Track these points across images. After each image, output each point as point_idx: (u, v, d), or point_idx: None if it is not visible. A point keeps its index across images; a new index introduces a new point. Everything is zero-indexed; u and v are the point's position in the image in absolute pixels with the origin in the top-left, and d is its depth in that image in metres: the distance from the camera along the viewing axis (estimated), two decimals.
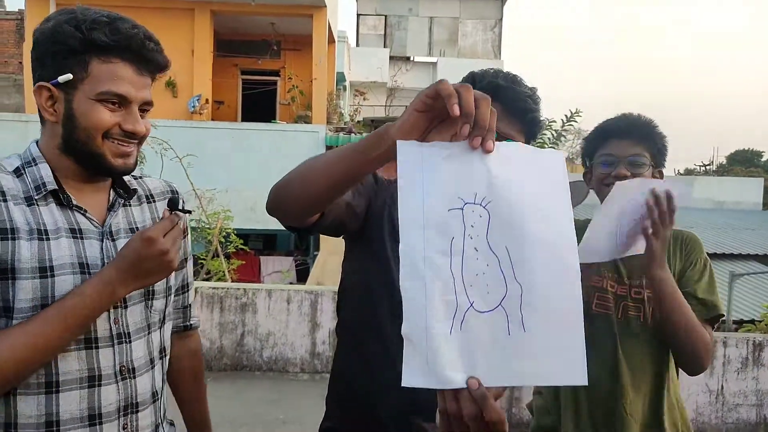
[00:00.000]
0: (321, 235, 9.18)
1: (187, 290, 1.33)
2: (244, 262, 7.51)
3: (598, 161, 1.62)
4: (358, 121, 12.88)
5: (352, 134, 10.30)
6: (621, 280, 1.58)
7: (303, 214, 1.06)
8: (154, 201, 1.23)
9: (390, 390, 0.99)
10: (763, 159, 32.80)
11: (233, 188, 8.60)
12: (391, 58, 19.37)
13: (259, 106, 12.08)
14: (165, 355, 1.21)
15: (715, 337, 4.14)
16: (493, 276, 0.78)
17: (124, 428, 1.09)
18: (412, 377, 0.76)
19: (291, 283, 8.78)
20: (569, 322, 0.80)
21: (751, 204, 17.35)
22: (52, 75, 1.04)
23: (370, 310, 1.26)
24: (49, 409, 1.02)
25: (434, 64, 20.34)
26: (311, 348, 5.26)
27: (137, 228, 1.16)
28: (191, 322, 1.35)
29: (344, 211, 1.17)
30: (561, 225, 0.81)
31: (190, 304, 1.35)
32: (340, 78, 14.29)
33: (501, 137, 1.13)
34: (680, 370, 1.60)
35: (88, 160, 1.07)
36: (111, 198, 1.14)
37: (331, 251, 8.84)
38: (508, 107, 1.14)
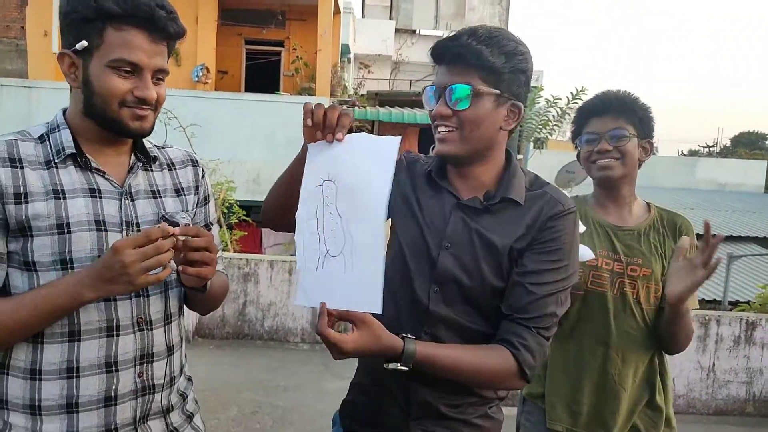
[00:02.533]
0: None
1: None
2: (246, 234, 7.57)
3: (582, 141, 1.67)
4: (362, 95, 12.80)
5: (356, 107, 10.25)
6: (618, 257, 1.62)
7: (287, 216, 1.23)
8: (175, 168, 1.28)
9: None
10: None
11: (236, 159, 8.61)
12: (396, 30, 19.15)
13: (262, 76, 11.99)
14: (181, 315, 1.27)
15: (708, 316, 4.23)
16: (339, 231, 1.13)
17: (139, 376, 1.15)
18: (298, 299, 1.16)
19: (292, 255, 8.85)
20: (373, 264, 1.10)
21: (753, 186, 17.37)
22: (72, 43, 1.09)
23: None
24: (71, 356, 1.09)
25: (440, 37, 20.12)
26: (312, 318, 5.35)
27: (158, 190, 1.22)
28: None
29: None
30: (378, 192, 1.11)
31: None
32: (345, 50, 14.16)
33: (441, 89, 1.17)
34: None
35: (107, 123, 1.12)
36: (131, 161, 1.20)
37: None
38: (438, 59, 1.18)
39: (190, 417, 1.30)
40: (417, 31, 20.76)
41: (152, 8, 1.06)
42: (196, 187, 1.31)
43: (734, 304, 7.50)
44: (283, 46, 12.24)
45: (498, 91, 1.14)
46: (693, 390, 4.23)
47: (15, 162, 1.08)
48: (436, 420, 1.22)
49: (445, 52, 1.16)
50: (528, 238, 1.17)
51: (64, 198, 1.09)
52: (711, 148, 32.10)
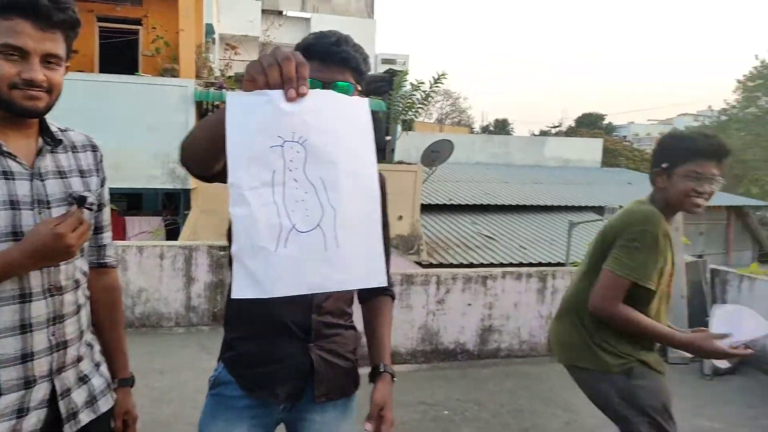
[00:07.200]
0: (192, 195, 8.94)
1: (102, 232, 1.49)
2: None
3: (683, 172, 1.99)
4: (230, 77, 12.48)
5: (224, 90, 10.03)
6: None
7: (208, 165, 1.17)
8: (77, 151, 1.39)
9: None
10: (605, 122, 36.48)
11: None
12: (263, 11, 18.80)
13: (119, 57, 11.26)
14: (86, 279, 1.40)
15: (545, 272, 4.89)
16: (312, 202, 0.95)
17: (53, 335, 1.27)
18: (241, 290, 0.92)
19: (163, 241, 8.55)
20: (372, 237, 1.01)
21: (592, 162, 19.52)
22: None
23: None
24: None
25: (308, 20, 20.06)
26: (186, 302, 5.33)
27: (65, 171, 1.32)
28: (106, 261, 1.51)
29: None
30: (366, 160, 1.01)
31: (105, 245, 1.50)
32: (209, 30, 13.67)
33: (327, 83, 1.31)
34: None
35: (2, 105, 1.20)
36: (39, 144, 1.29)
37: (203, 210, 8.73)
38: (322, 58, 1.34)
39: (98, 365, 1.44)
40: (284, 13, 20.51)
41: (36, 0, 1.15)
42: (97, 170, 1.42)
43: (575, 265, 8.50)
44: (141, 25, 11.55)
45: (361, 89, 1.40)
46: (534, 336, 4.89)
47: None
48: (328, 337, 1.48)
49: (333, 56, 1.33)
50: None
51: None
52: (558, 128, 35.41)
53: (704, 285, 5.15)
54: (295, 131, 0.93)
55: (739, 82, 25.86)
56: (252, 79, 0.95)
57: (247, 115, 0.92)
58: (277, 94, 0.92)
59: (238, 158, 0.91)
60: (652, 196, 2.05)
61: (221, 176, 1.22)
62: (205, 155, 1.13)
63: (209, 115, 1.18)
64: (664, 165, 1.99)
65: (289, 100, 0.93)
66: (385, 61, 21.92)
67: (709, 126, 25.94)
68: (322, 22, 18.96)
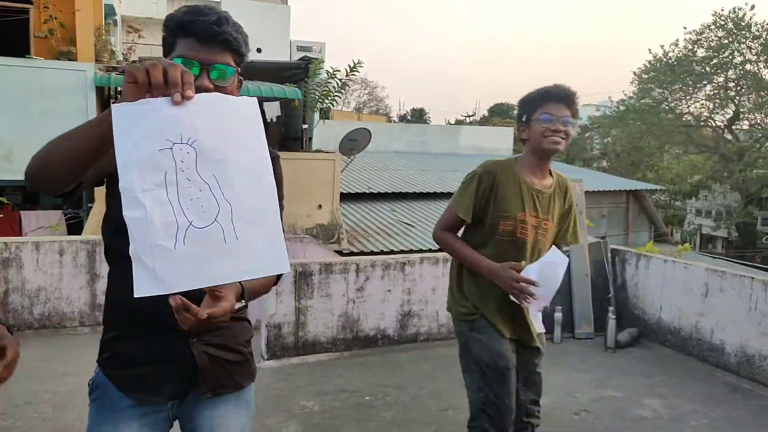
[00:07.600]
0: (96, 187, 8.40)
1: None
2: (2, 216, 6.65)
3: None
4: (134, 61, 11.80)
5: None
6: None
7: (67, 183, 1.13)
8: None
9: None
10: (516, 111, 37.97)
11: None
12: None
13: (7, 38, 10.31)
14: None
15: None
16: (207, 199, 0.99)
17: None
18: (143, 288, 0.95)
19: (64, 236, 7.97)
20: (272, 228, 1.04)
21: (505, 150, 20.24)
22: None
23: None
24: None
25: (218, 4, 19.32)
26: (91, 300, 5.02)
27: None
28: None
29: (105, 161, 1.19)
30: (258, 154, 1.04)
31: None
32: (109, 11, 12.84)
33: (205, 64, 1.24)
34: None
35: None
36: None
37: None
38: (201, 38, 1.24)
39: None
40: None
41: None
42: None
43: None
44: (31, 3, 10.62)
45: (241, 71, 1.33)
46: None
47: None
48: (212, 331, 1.38)
49: (214, 36, 1.24)
50: None
51: None
52: (472, 117, 36.43)
53: (606, 264, 5.50)
54: (183, 134, 0.98)
55: (634, 74, 27.69)
56: (133, 80, 0.96)
57: (134, 123, 0.95)
58: (162, 101, 0.97)
59: (128, 163, 0.95)
60: (519, 156, 2.27)
61: (80, 188, 1.20)
62: (69, 170, 1.10)
63: (70, 130, 1.11)
64: (523, 118, 2.21)
65: (175, 104, 0.97)
66: (301, 49, 21.54)
67: (609, 116, 27.59)
68: (232, 7, 18.29)
